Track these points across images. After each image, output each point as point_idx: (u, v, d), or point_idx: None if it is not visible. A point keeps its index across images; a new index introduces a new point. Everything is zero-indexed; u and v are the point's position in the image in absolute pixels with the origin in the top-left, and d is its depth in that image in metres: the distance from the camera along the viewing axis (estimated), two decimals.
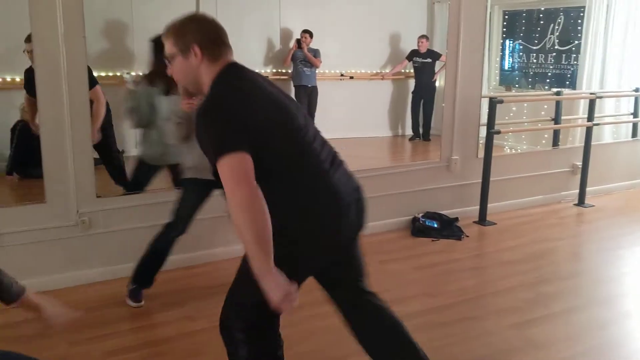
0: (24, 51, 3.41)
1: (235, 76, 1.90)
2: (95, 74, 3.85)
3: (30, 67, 3.36)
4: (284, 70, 5.61)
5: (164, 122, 3.07)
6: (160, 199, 3.59)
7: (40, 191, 3.44)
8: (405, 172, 4.61)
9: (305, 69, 5.50)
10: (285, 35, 5.43)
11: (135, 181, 3.68)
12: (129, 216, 3.54)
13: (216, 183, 1.80)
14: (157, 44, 2.98)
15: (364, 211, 1.98)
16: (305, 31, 5.53)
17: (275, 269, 1.67)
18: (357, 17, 5.66)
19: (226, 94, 1.83)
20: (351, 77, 5.82)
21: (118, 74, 4.37)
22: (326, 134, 2.00)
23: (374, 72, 6.10)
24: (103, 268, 3.50)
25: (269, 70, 5.45)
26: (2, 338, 2.33)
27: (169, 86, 3.05)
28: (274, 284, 1.66)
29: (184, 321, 3.04)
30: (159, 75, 3.09)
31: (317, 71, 5.60)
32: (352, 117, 5.49)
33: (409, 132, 6.22)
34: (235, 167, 1.68)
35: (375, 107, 5.94)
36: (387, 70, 6.09)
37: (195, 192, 3.13)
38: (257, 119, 1.79)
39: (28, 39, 3.28)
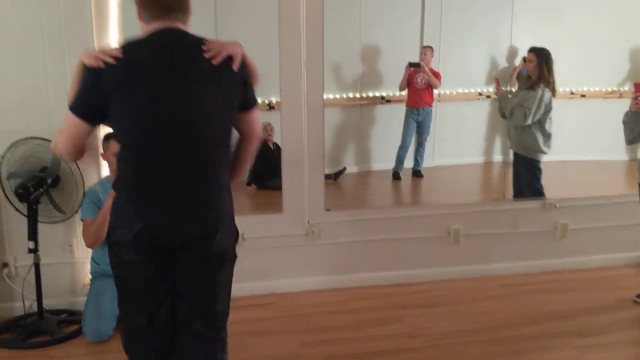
0: None
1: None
2: (350, 95, 4.74)
3: None
4: (504, 88, 5.42)
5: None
6: (383, 215, 3.78)
7: (274, 201, 3.82)
8: None
9: None
10: (512, 53, 5.26)
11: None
12: (354, 229, 3.73)
13: None
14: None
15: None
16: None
17: None
18: (591, 32, 5.25)
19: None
20: (583, 96, 5.41)
21: (370, 94, 4.82)
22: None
23: (610, 90, 5.57)
24: (328, 277, 3.74)
25: (491, 89, 5.33)
26: (238, 332, 2.62)
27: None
28: None
29: (402, 337, 3.10)
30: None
31: None
32: (584, 138, 5.09)
33: None
34: None
35: (610, 127, 5.41)
36: (626, 88, 5.51)
37: None
38: None
39: None
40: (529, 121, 4.11)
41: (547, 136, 4.18)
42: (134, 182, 1.82)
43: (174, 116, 1.77)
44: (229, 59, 1.84)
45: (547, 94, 4.12)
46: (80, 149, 1.90)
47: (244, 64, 1.89)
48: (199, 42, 1.83)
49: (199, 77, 1.79)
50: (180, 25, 1.84)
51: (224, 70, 1.83)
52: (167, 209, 1.81)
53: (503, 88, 4.63)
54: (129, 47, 1.80)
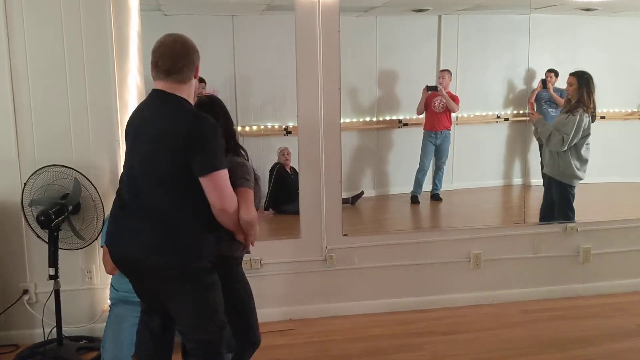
0: None
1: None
2: (367, 119, 4.72)
3: None
4: (521, 112, 5.40)
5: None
6: (401, 240, 3.75)
7: (292, 226, 3.81)
8: None
9: (550, 109, 5.22)
10: (529, 75, 5.26)
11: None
12: (372, 255, 3.71)
13: None
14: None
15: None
16: (550, 70, 5.26)
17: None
18: (610, 53, 5.23)
19: None
20: (602, 117, 5.36)
21: (387, 118, 4.82)
22: None
23: (630, 111, 5.52)
24: (346, 303, 3.70)
25: (509, 112, 5.31)
26: (257, 359, 2.62)
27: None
28: None
29: None
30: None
31: None
32: (604, 160, 5.03)
33: None
34: None
35: (631, 149, 5.36)
36: None
37: None
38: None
39: None
40: (566, 147, 4.01)
41: (583, 162, 4.07)
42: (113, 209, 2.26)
43: (137, 166, 2.14)
44: (186, 127, 2.06)
45: (586, 118, 4.01)
46: None
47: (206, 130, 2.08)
48: (175, 104, 2.10)
49: (156, 137, 2.08)
50: (175, 87, 2.11)
51: (174, 136, 2.05)
52: (123, 236, 2.18)
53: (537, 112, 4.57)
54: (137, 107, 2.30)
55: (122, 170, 2.26)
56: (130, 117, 2.25)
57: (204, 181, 2.05)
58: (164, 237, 2.09)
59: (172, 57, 2.10)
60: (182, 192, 2.09)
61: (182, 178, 2.07)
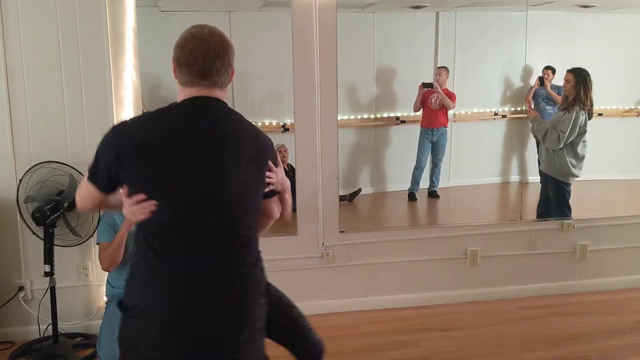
0: None
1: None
2: (365, 116, 4.77)
3: None
4: (519, 109, 5.40)
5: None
6: (398, 237, 3.75)
7: (288, 223, 3.80)
8: None
9: (547, 107, 5.22)
10: (526, 72, 5.25)
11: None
12: (369, 252, 3.71)
13: None
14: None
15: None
16: (548, 67, 5.26)
17: None
18: (607, 50, 5.22)
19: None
20: (600, 114, 5.36)
21: (385, 115, 4.92)
22: None
23: (627, 108, 5.52)
24: (342, 300, 3.70)
25: (506, 109, 5.31)
26: None
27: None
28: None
29: None
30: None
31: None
32: (601, 157, 5.04)
33: None
34: None
35: (628, 146, 5.37)
36: None
37: None
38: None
39: None
40: (562, 144, 4.02)
41: (579, 159, 4.08)
42: (157, 269, 1.62)
43: (208, 195, 1.63)
44: (268, 150, 1.77)
45: (582, 116, 4.01)
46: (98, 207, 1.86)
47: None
48: (236, 118, 1.74)
49: (237, 156, 1.67)
50: (219, 93, 1.69)
51: (263, 156, 1.74)
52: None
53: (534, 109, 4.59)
54: (160, 116, 1.66)
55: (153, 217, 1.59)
56: (153, 139, 1.59)
57: (273, 198, 1.84)
58: (262, 276, 1.85)
59: (208, 54, 1.65)
60: (255, 221, 1.77)
61: (259, 202, 1.77)
